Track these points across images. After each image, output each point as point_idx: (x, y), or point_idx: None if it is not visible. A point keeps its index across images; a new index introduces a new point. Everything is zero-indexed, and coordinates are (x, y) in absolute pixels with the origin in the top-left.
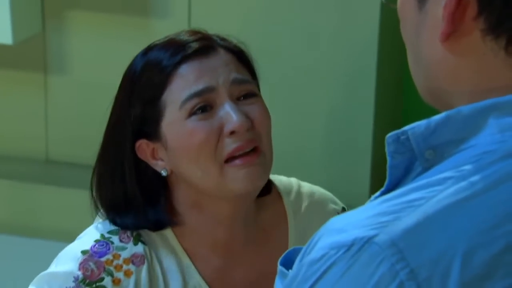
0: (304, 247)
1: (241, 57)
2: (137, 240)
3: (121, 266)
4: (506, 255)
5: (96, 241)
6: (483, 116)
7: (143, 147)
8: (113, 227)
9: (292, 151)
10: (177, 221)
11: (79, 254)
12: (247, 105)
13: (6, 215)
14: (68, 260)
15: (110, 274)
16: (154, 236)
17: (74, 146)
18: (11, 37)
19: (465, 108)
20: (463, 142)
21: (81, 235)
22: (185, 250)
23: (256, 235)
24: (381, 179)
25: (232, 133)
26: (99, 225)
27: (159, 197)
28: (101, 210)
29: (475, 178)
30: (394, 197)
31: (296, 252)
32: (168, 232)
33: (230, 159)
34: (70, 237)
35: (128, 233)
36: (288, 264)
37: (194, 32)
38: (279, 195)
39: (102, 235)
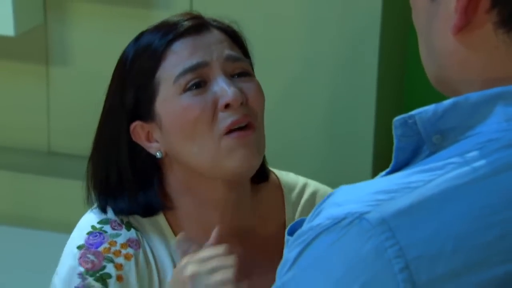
0: (308, 217)
1: (234, 37)
2: (128, 226)
3: (120, 252)
4: (501, 242)
5: (89, 233)
6: (491, 104)
7: (138, 130)
8: (102, 216)
9: (292, 143)
10: (169, 206)
11: (76, 250)
12: (241, 82)
13: (8, 207)
14: (67, 260)
15: (111, 260)
16: (144, 222)
17: (76, 138)
18: (13, 29)
19: (473, 95)
20: (470, 128)
21: (72, 233)
22: (176, 235)
23: (250, 222)
24: (383, 171)
25: (226, 106)
26: (87, 218)
27: (152, 181)
28: (92, 196)
29: (477, 164)
30: (396, 178)
31: (302, 222)
32: (160, 217)
33: (227, 133)
34: (71, 229)
35: (118, 220)
36: (293, 234)
37: (186, 13)
38: (280, 187)
39: (93, 227)
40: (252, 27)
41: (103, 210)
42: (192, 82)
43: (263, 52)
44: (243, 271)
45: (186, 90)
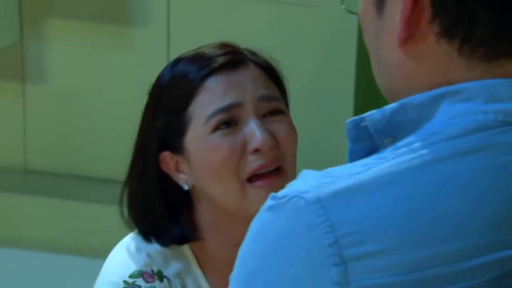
0: None
1: (271, 73)
2: (160, 276)
3: None
4: (428, 227)
5: None
6: (435, 103)
7: (167, 160)
8: (134, 269)
9: None
10: (197, 237)
11: None
12: (273, 123)
13: None
14: None
15: None
16: (175, 264)
17: (52, 155)
18: None
19: (418, 97)
20: (417, 128)
21: (104, 275)
22: (204, 272)
23: None
24: None
25: (256, 150)
26: (119, 266)
27: (182, 212)
28: (132, 225)
29: (416, 154)
30: (344, 166)
31: None
32: (185, 249)
33: (252, 177)
34: (49, 247)
35: (150, 271)
36: None
37: (224, 45)
38: None
39: (125, 282)
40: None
41: (145, 237)
42: (223, 121)
43: None
44: None
45: (216, 129)
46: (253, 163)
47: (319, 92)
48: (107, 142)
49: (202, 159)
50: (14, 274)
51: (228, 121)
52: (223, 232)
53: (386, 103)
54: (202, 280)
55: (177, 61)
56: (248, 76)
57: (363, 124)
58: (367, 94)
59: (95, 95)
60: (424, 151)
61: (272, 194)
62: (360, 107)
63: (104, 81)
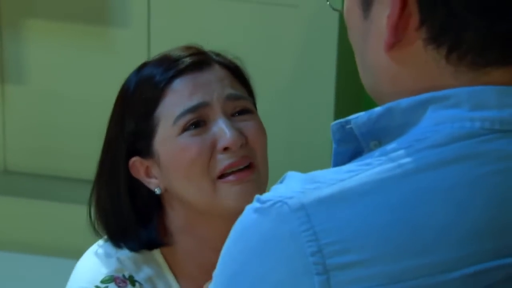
0: None
1: (236, 73)
2: (132, 281)
3: None
4: (411, 237)
5: None
6: (421, 108)
7: (137, 165)
8: (105, 274)
9: None
10: (168, 242)
11: None
12: (241, 121)
13: None
14: None
15: None
16: (146, 269)
17: (32, 156)
18: None
19: (404, 101)
20: (403, 132)
21: (74, 281)
22: (175, 274)
23: None
24: None
25: (225, 149)
26: (88, 274)
27: (152, 217)
28: (100, 232)
29: (400, 161)
30: (328, 171)
31: None
32: (156, 253)
33: (223, 175)
34: (28, 248)
35: (121, 276)
36: None
37: (188, 48)
38: None
39: (97, 287)
40: (210, 46)
41: (113, 242)
42: (191, 122)
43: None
44: None
45: (184, 130)
46: (223, 162)
47: (299, 92)
48: (87, 143)
49: (171, 161)
50: None
51: (197, 122)
52: (195, 234)
53: (368, 102)
54: (174, 284)
55: (143, 65)
56: (213, 76)
57: (348, 126)
58: (348, 94)
59: (75, 95)
60: (408, 159)
61: (257, 196)
62: (341, 106)
63: (84, 82)
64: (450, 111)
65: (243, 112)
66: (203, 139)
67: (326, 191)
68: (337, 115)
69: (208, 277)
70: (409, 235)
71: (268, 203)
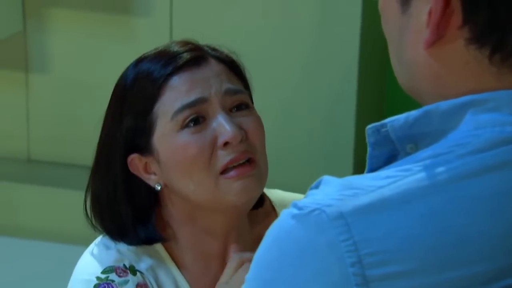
0: None
1: (233, 67)
2: (133, 271)
3: None
4: (455, 248)
5: (96, 285)
6: (461, 112)
7: (135, 162)
8: (105, 265)
9: (273, 153)
10: (169, 237)
11: None
12: (240, 117)
13: None
14: None
15: None
16: (147, 259)
17: (56, 145)
18: None
19: (444, 104)
20: (441, 136)
21: (76, 275)
22: (178, 265)
23: (249, 248)
24: None
25: (225, 144)
26: (88, 267)
27: (151, 214)
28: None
29: (441, 168)
30: (365, 176)
31: None
32: (159, 247)
33: (224, 171)
34: (52, 237)
35: (122, 266)
36: None
37: (185, 43)
38: (273, 208)
39: (98, 278)
40: (232, 37)
41: (112, 238)
42: (190, 118)
43: (243, 60)
44: None
45: (184, 126)
46: (224, 158)
47: (320, 84)
48: None
49: (171, 158)
50: (17, 263)
51: (195, 118)
52: (196, 225)
53: (391, 95)
54: (177, 274)
55: (139, 60)
56: (210, 71)
57: (384, 129)
58: (370, 88)
59: (97, 84)
60: (449, 166)
61: (294, 202)
62: (363, 101)
63: (107, 71)
64: (490, 115)
65: (241, 106)
66: (203, 136)
67: (365, 199)
68: (359, 110)
69: (211, 267)
70: (453, 245)
71: (306, 210)
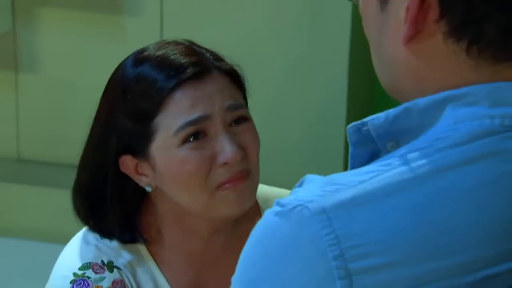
0: None
1: (235, 79)
2: (111, 267)
3: None
4: (437, 239)
5: (72, 281)
6: (440, 107)
7: (127, 162)
8: (83, 261)
9: (264, 152)
10: (152, 236)
11: None
12: (239, 132)
13: None
14: None
15: None
16: (126, 256)
17: (45, 145)
18: None
19: (422, 100)
20: (421, 132)
21: (53, 280)
22: (157, 262)
23: (233, 244)
24: None
25: (225, 163)
26: (67, 262)
27: (137, 213)
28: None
29: (421, 162)
30: (347, 173)
31: None
32: (141, 246)
33: (220, 185)
34: (42, 236)
35: (100, 262)
36: None
37: (189, 52)
38: (256, 202)
39: (75, 274)
40: (222, 37)
41: (98, 232)
42: (192, 134)
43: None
44: None
45: (184, 142)
46: (222, 176)
47: (311, 86)
48: None
49: (169, 171)
50: (6, 262)
51: (196, 133)
52: (184, 226)
53: (380, 96)
54: (156, 271)
55: (139, 60)
56: (214, 87)
57: (364, 128)
58: (361, 88)
59: (88, 84)
60: (429, 159)
61: (277, 200)
62: (354, 101)
63: (97, 71)
64: (469, 109)
65: (240, 120)
66: (203, 153)
67: (346, 193)
68: (350, 110)
69: (193, 265)
70: (433, 236)
71: (289, 207)
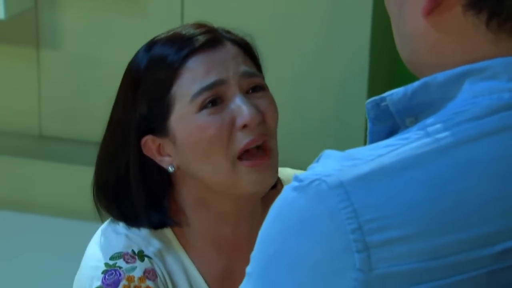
0: None
1: (247, 50)
2: (141, 256)
3: (140, 286)
4: (455, 212)
5: (104, 272)
6: (458, 82)
7: (149, 144)
8: (114, 251)
9: (285, 132)
10: (180, 221)
11: None
12: (256, 99)
13: None
14: None
15: None
16: (156, 244)
17: (67, 121)
18: (3, 12)
19: (441, 75)
20: (440, 107)
21: (84, 270)
22: (186, 250)
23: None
24: None
25: (244, 126)
26: (96, 252)
27: (163, 197)
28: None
29: (440, 135)
30: (365, 148)
31: None
32: (168, 231)
33: (241, 155)
34: (63, 212)
35: (130, 252)
36: None
37: (199, 25)
38: (282, 186)
39: (106, 264)
40: (245, 23)
41: (123, 222)
42: (209, 100)
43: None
44: None
45: (202, 108)
46: (242, 140)
47: (331, 64)
48: None
49: (189, 139)
50: (28, 238)
51: (214, 100)
52: (210, 209)
53: (402, 71)
54: (185, 258)
55: (152, 43)
56: (227, 54)
57: (383, 104)
58: (382, 63)
59: (109, 60)
60: (447, 133)
61: (295, 175)
62: (375, 76)
63: (118, 46)
64: (488, 83)
65: (257, 88)
66: (221, 117)
67: (364, 167)
68: (371, 90)
69: (222, 252)
70: (451, 209)
71: (306, 181)
